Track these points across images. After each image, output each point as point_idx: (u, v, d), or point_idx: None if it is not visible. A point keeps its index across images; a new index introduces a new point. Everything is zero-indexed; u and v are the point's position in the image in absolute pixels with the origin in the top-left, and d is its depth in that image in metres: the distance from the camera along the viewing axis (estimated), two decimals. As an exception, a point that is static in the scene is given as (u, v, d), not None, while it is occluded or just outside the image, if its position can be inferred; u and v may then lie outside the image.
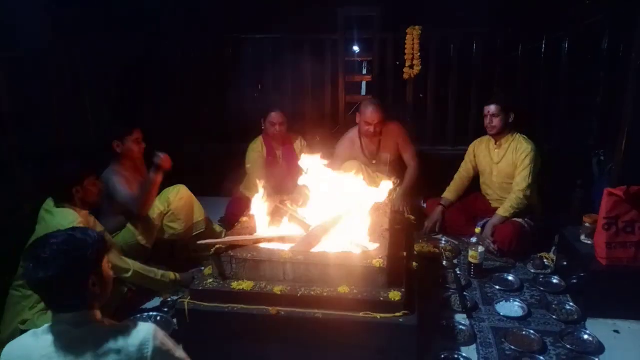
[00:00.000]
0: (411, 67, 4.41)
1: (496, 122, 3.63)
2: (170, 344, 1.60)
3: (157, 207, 3.37)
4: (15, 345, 1.53)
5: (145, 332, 1.53)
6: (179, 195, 3.42)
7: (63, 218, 2.65)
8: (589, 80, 4.34)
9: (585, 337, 2.73)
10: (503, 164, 3.73)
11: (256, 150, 4.06)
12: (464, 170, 4.00)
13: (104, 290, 1.61)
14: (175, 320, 2.77)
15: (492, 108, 3.64)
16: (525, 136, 3.69)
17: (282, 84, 4.77)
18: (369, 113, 3.84)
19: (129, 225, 3.35)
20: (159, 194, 3.41)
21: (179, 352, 1.62)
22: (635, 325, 2.80)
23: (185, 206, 3.43)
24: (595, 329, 2.79)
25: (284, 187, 3.93)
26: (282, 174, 3.99)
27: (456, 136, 4.65)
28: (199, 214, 3.53)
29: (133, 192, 3.24)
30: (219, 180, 4.46)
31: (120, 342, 1.49)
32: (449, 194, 3.99)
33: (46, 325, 1.54)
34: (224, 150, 4.68)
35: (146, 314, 2.96)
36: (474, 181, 4.01)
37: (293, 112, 4.47)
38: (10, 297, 2.72)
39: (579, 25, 4.28)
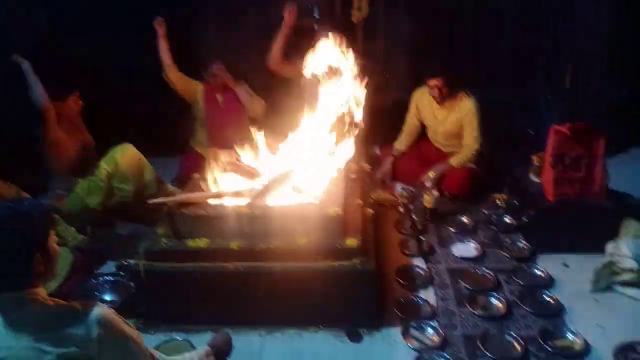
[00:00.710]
0: (359, 9, 4.26)
1: (445, 91, 3.60)
2: (118, 325, 1.52)
3: (104, 167, 3.23)
4: None
5: (91, 316, 1.44)
6: (126, 155, 3.28)
7: None
8: (537, 22, 4.34)
9: (537, 272, 2.85)
10: (447, 124, 3.74)
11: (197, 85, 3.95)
12: (411, 123, 3.98)
13: (49, 268, 1.51)
14: (132, 284, 2.71)
15: (436, 82, 3.57)
16: (465, 91, 3.67)
17: (228, 32, 4.54)
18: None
19: (76, 189, 3.22)
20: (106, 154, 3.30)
21: (129, 331, 1.55)
22: (582, 258, 2.93)
23: (133, 166, 3.29)
24: (546, 264, 2.92)
25: (226, 136, 3.83)
26: (224, 122, 3.89)
27: (409, 81, 4.59)
28: (149, 174, 3.40)
29: None
30: (170, 139, 4.29)
31: (64, 326, 1.41)
32: (400, 144, 3.99)
33: None
34: (174, 106, 4.48)
35: (102, 278, 2.88)
36: (425, 129, 4.00)
37: (238, 63, 4.27)
38: None
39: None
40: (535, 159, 3.21)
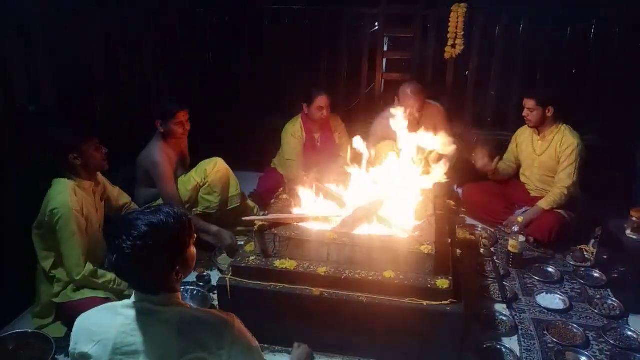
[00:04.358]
0: (453, 46, 4.27)
1: (532, 116, 3.51)
2: (248, 335, 1.58)
3: (194, 178, 3.33)
4: (90, 318, 1.50)
5: (228, 324, 1.52)
6: (216, 168, 3.37)
7: (54, 189, 2.50)
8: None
9: (629, 333, 2.69)
10: (545, 157, 3.60)
11: (296, 135, 3.87)
12: (508, 160, 3.88)
13: (187, 273, 1.57)
14: (213, 295, 2.76)
15: (529, 103, 3.51)
16: (570, 128, 3.54)
17: (319, 59, 4.64)
18: (409, 99, 3.60)
19: (162, 198, 3.33)
20: (196, 165, 3.42)
21: (254, 341, 1.60)
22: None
23: (221, 179, 3.38)
24: (639, 326, 2.74)
25: (321, 172, 3.85)
26: (320, 159, 3.89)
27: (495, 121, 4.52)
28: (234, 188, 3.48)
29: (174, 192, 3.23)
30: (250, 154, 4.41)
31: (200, 331, 1.47)
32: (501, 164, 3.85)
33: (127, 301, 1.50)
34: (256, 123, 4.61)
35: (182, 287, 2.94)
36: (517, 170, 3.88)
37: (327, 90, 4.34)
38: (38, 272, 2.66)
39: (635, 5, 4.04)
40: (634, 214, 3.03)
